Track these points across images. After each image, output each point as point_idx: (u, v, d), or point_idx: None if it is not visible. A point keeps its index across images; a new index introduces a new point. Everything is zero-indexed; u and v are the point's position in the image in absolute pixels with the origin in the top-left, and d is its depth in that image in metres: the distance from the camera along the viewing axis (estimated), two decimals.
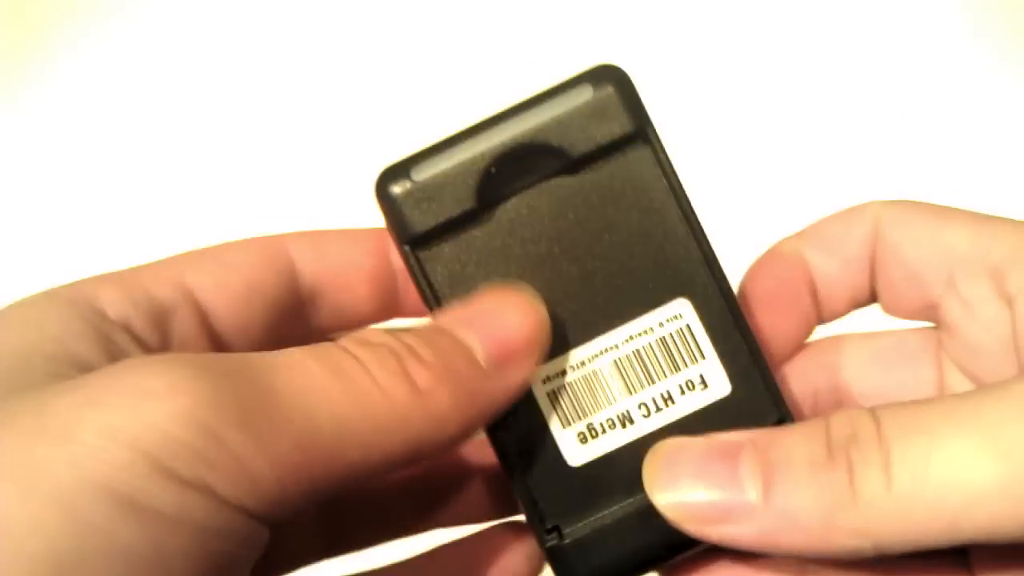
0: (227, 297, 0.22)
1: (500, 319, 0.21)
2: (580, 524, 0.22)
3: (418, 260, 0.22)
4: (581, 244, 0.22)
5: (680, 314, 0.22)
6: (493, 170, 0.22)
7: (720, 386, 0.22)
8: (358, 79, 0.53)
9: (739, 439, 0.20)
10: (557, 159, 0.22)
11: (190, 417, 0.17)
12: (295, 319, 0.24)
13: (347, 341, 0.19)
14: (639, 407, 0.22)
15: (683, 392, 0.22)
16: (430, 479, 0.26)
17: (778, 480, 0.19)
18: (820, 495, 0.19)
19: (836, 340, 0.25)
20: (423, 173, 0.22)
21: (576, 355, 0.22)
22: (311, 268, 0.23)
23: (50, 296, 0.21)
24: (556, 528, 0.22)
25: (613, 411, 0.22)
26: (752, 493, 0.19)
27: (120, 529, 0.16)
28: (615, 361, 0.22)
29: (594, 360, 0.22)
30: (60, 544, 0.16)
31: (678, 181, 0.22)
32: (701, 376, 0.22)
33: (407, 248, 0.22)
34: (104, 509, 0.16)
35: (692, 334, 0.22)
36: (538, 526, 0.22)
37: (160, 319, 0.22)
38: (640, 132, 0.22)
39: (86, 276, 0.22)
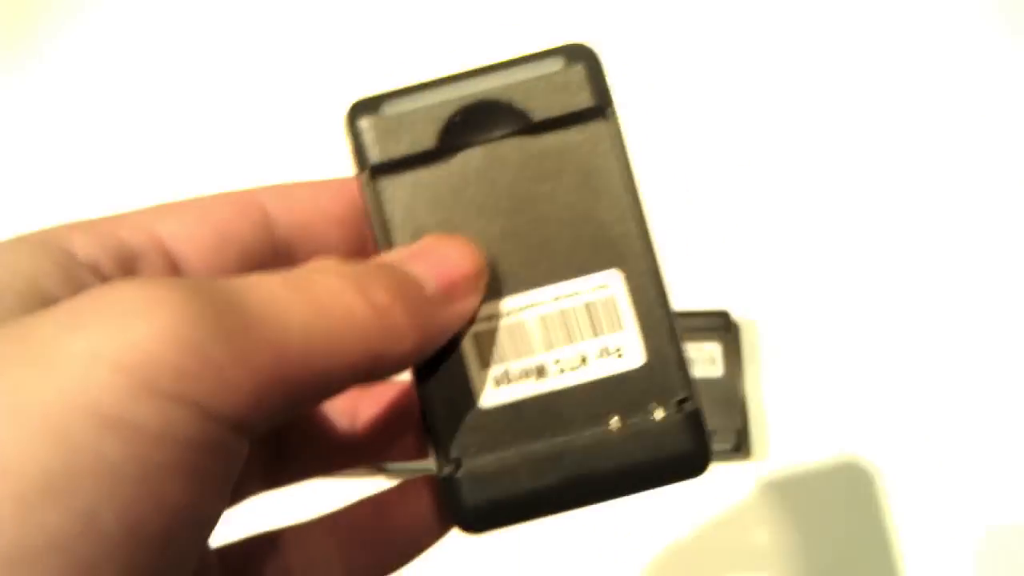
0: (198, 245, 0.23)
1: (443, 256, 0.22)
2: (481, 461, 0.23)
3: (375, 188, 0.24)
4: (528, 203, 0.24)
5: (609, 284, 0.23)
6: (458, 119, 0.23)
7: (634, 357, 0.23)
8: (329, 27, 0.53)
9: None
10: (519, 120, 0.23)
11: (172, 333, 0.17)
12: (268, 265, 0.24)
13: (305, 266, 0.21)
14: (555, 362, 0.23)
15: (598, 356, 0.23)
16: (371, 416, 0.28)
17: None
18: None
19: None
20: (392, 109, 0.24)
21: (506, 303, 0.23)
22: (284, 218, 0.24)
23: (20, 240, 0.21)
24: (457, 460, 0.23)
25: (530, 362, 0.23)
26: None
27: (107, 448, 0.16)
28: (541, 316, 0.23)
29: (522, 311, 0.23)
30: (50, 464, 0.16)
31: (628, 160, 0.23)
32: (618, 346, 0.23)
33: (367, 173, 0.24)
34: (91, 429, 0.16)
35: (617, 305, 0.23)
36: (440, 459, 0.23)
37: (128, 263, 0.22)
38: (599, 109, 0.23)
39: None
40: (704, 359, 0.46)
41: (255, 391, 0.18)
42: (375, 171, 0.23)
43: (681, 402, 0.23)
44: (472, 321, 0.23)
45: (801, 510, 0.45)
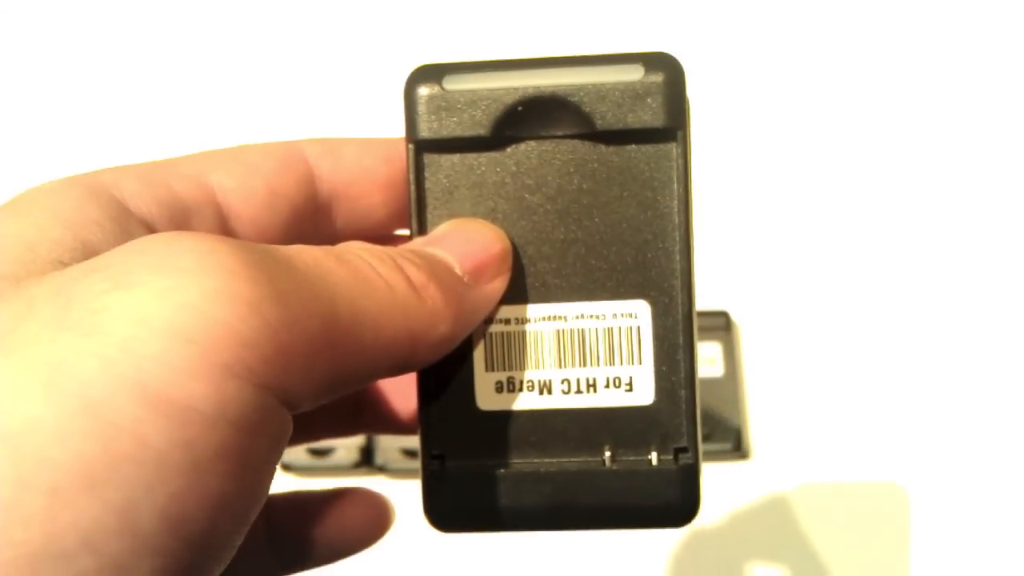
0: (249, 200, 0.22)
1: (469, 239, 0.22)
2: (465, 463, 0.22)
3: (419, 161, 0.22)
4: (573, 211, 0.22)
5: (637, 314, 0.22)
6: (520, 109, 0.22)
7: (644, 395, 0.22)
8: None
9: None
10: (584, 123, 0.22)
11: (228, 291, 0.16)
12: (311, 225, 0.24)
13: (339, 245, 0.20)
14: (562, 381, 0.22)
15: (607, 386, 0.22)
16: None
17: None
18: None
19: None
20: (455, 84, 0.22)
21: (526, 310, 0.23)
22: (328, 175, 0.23)
23: (69, 182, 0.20)
24: (441, 457, 0.22)
25: (537, 375, 0.22)
26: None
27: (151, 431, 0.15)
28: (559, 331, 0.22)
29: (540, 322, 0.22)
30: (88, 450, 0.14)
31: (688, 190, 0.22)
32: (631, 378, 0.22)
33: (413, 146, 0.22)
34: (135, 410, 0.15)
35: (639, 337, 0.22)
36: (425, 451, 0.23)
37: (181, 219, 0.21)
38: (670, 132, 0.22)
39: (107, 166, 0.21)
40: (704, 359, 0.46)
41: (307, 360, 0.17)
42: (422, 146, 0.22)
43: (680, 451, 0.22)
44: (488, 321, 0.22)
45: (800, 510, 0.45)
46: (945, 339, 0.46)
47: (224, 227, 0.22)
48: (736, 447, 0.45)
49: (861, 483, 0.45)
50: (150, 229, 0.20)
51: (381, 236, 0.25)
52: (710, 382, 0.45)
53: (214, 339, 0.15)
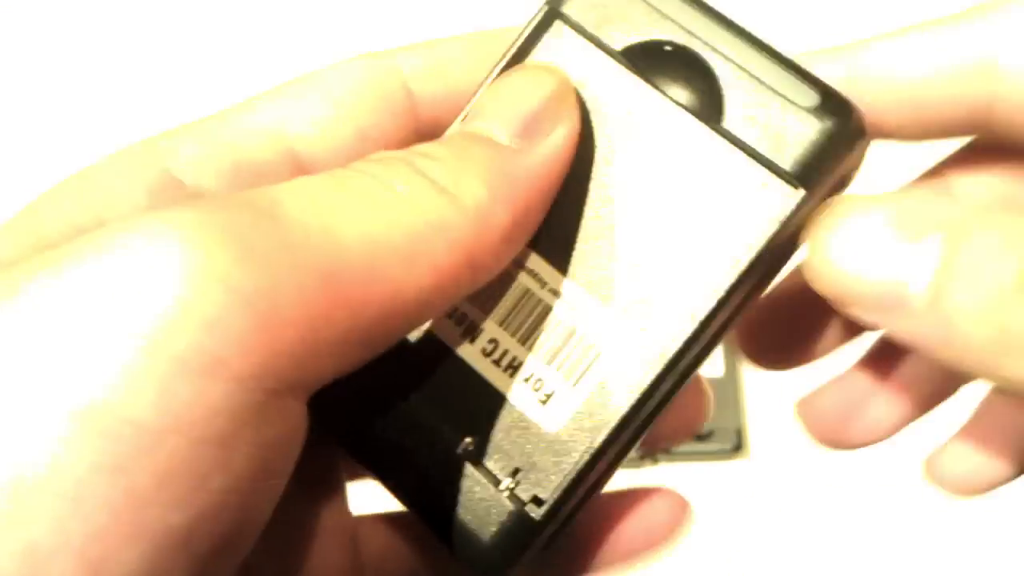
0: (335, 152, 0.18)
1: (512, 90, 0.17)
2: (365, 380, 0.18)
3: (542, 26, 0.19)
4: (637, 191, 0.18)
5: (613, 340, 0.19)
6: (668, 49, 0.18)
7: (552, 419, 0.18)
8: None
9: (934, 218, 0.16)
10: (715, 110, 0.18)
11: (180, 264, 0.13)
12: None
13: (358, 161, 0.16)
14: (489, 340, 0.19)
15: (526, 380, 0.19)
16: None
17: (953, 289, 0.16)
18: (988, 329, 0.16)
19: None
20: None
21: (529, 255, 0.19)
22: (429, 92, 0.19)
23: (126, 157, 0.17)
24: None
25: (487, 326, 0.19)
26: (921, 290, 0.16)
27: (70, 453, 0.12)
28: (527, 291, 0.19)
29: (523, 274, 0.19)
30: (75, 464, 0.12)
31: (766, 256, 0.18)
32: (552, 393, 0.18)
33: (548, 7, 0.19)
34: (52, 426, 0.12)
35: (594, 364, 0.18)
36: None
37: (248, 186, 0.17)
38: (792, 181, 0.18)
39: (169, 128, 0.18)
40: None
41: (306, 334, 0.13)
42: (554, 15, 0.19)
43: (535, 500, 0.18)
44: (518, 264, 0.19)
45: (800, 510, 0.45)
46: None
47: None
48: (736, 447, 0.45)
49: (861, 483, 0.45)
50: None
51: None
52: (710, 382, 0.45)
53: (161, 327, 0.12)
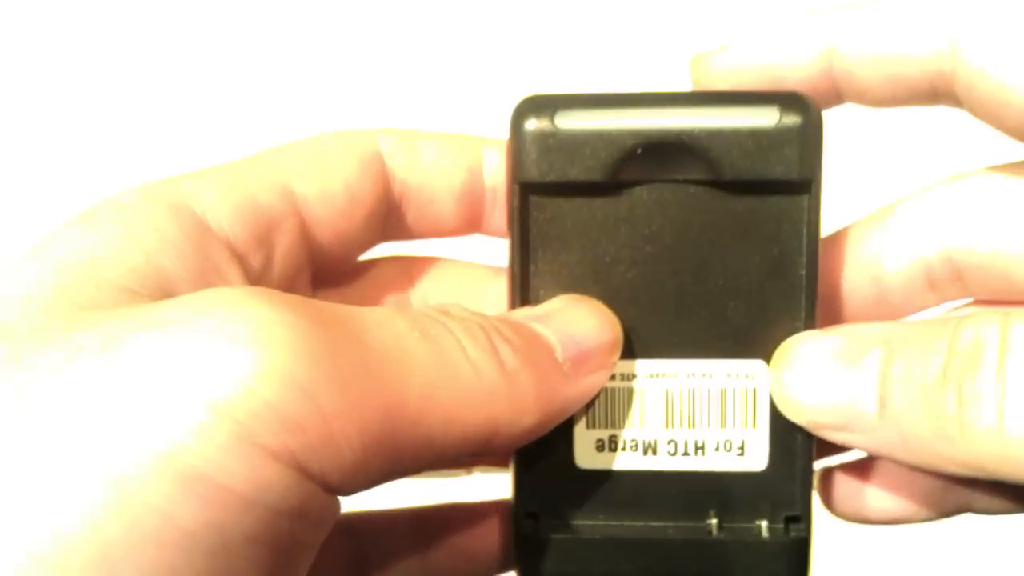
0: (330, 206, 0.21)
1: (577, 323, 0.20)
2: (561, 523, 0.21)
3: (524, 204, 0.21)
4: (689, 262, 0.21)
5: (753, 375, 0.21)
6: (639, 151, 0.20)
7: (757, 460, 0.21)
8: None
9: (870, 341, 0.19)
10: (709, 169, 0.20)
11: (280, 371, 0.15)
12: (384, 225, 0.22)
13: (432, 309, 0.18)
14: (668, 443, 0.21)
15: (718, 449, 0.21)
16: None
17: (893, 397, 0.18)
18: (927, 422, 0.18)
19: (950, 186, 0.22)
20: (567, 121, 0.20)
21: (634, 366, 0.21)
22: (402, 173, 0.22)
23: (150, 195, 0.19)
24: (535, 516, 0.21)
25: (642, 435, 0.21)
26: (870, 405, 0.19)
27: (180, 511, 0.14)
28: (667, 390, 0.21)
29: (648, 380, 0.21)
30: (108, 530, 0.13)
31: (816, 247, 0.20)
32: (744, 442, 0.21)
33: (519, 188, 0.20)
34: (165, 486, 0.14)
35: (755, 399, 0.21)
36: (518, 508, 0.21)
37: (264, 233, 0.20)
38: (803, 185, 0.20)
39: (183, 173, 0.20)
40: None
41: (363, 450, 0.15)
42: (529, 188, 0.20)
43: (791, 520, 0.21)
44: None
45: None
46: None
47: (306, 239, 0.21)
48: None
49: None
50: (230, 249, 0.19)
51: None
52: None
53: (258, 420, 0.14)
